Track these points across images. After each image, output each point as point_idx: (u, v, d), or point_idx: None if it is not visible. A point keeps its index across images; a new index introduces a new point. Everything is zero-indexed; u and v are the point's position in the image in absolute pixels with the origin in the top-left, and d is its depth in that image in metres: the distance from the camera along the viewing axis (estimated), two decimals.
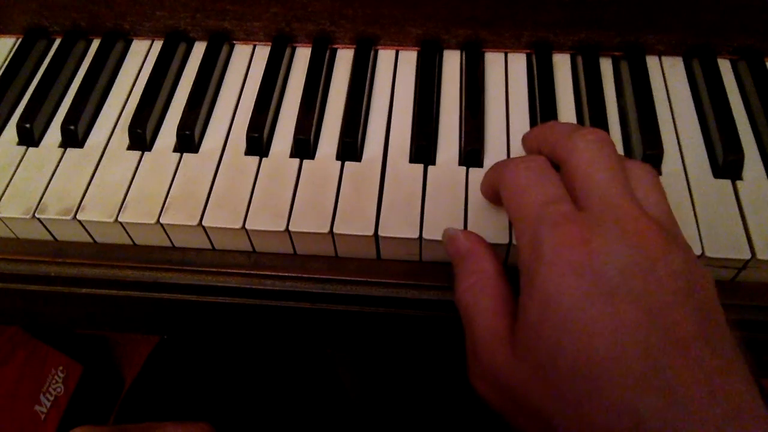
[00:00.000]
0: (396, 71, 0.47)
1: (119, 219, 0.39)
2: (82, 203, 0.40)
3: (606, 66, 0.47)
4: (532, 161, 0.31)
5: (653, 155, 0.41)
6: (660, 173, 0.41)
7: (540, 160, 0.31)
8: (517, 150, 0.42)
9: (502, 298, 0.30)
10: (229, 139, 0.44)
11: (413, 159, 0.42)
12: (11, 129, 0.45)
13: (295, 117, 0.44)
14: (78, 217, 0.40)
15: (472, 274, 0.32)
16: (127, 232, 0.41)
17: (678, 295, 0.25)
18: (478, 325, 0.30)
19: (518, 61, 0.47)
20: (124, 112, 0.46)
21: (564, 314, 0.26)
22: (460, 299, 0.31)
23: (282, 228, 0.38)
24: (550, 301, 0.26)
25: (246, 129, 0.43)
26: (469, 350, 0.31)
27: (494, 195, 0.34)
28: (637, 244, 0.26)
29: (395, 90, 0.46)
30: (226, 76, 0.48)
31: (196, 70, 0.47)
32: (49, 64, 0.48)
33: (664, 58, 0.47)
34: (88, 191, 0.41)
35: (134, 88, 0.47)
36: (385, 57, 0.48)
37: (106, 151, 0.44)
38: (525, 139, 0.38)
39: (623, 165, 0.30)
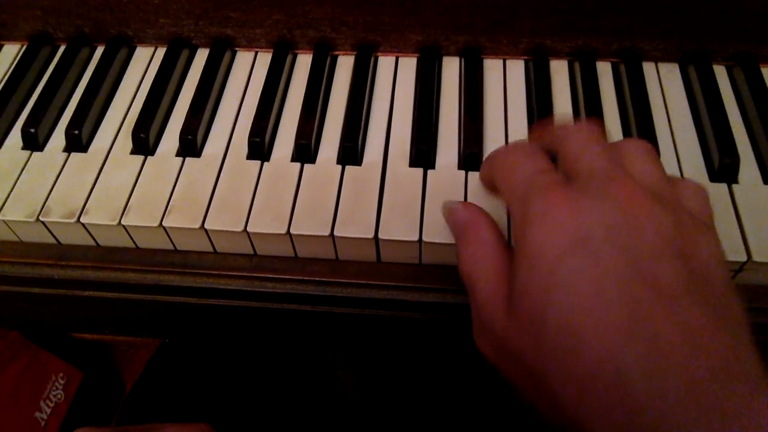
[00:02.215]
0: (396, 77, 0.48)
1: (122, 222, 0.40)
2: (86, 207, 0.41)
3: (603, 72, 0.47)
4: (519, 143, 0.33)
5: None
6: None
7: (526, 143, 0.33)
8: None
9: (501, 264, 0.31)
10: (231, 144, 0.44)
11: (413, 163, 0.42)
12: (16, 134, 0.46)
13: (296, 122, 0.44)
14: (81, 220, 0.40)
15: (472, 243, 0.32)
16: (130, 235, 0.41)
17: (663, 252, 0.26)
18: (479, 289, 0.30)
19: (516, 67, 0.48)
20: (127, 117, 0.47)
21: (550, 269, 0.26)
22: (462, 268, 0.32)
23: (283, 231, 0.39)
24: (537, 258, 0.27)
25: (248, 134, 0.43)
26: (474, 313, 0.32)
27: (492, 183, 0.35)
28: (622, 205, 0.27)
29: (395, 95, 0.47)
30: (228, 82, 0.48)
31: (199, 76, 0.48)
32: (54, 70, 0.49)
33: (660, 65, 0.47)
34: (91, 195, 0.41)
35: (137, 94, 0.48)
36: (385, 63, 0.49)
37: (110, 155, 0.44)
38: (528, 137, 0.39)
39: (615, 146, 0.31)
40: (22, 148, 0.45)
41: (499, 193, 0.34)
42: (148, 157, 0.44)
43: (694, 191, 0.31)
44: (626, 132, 0.44)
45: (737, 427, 0.22)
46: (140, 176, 0.42)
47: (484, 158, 0.42)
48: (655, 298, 0.25)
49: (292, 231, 0.39)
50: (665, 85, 0.46)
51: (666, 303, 0.24)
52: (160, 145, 0.45)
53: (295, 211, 0.40)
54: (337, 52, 0.50)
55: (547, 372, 0.26)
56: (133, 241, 0.42)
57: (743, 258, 0.37)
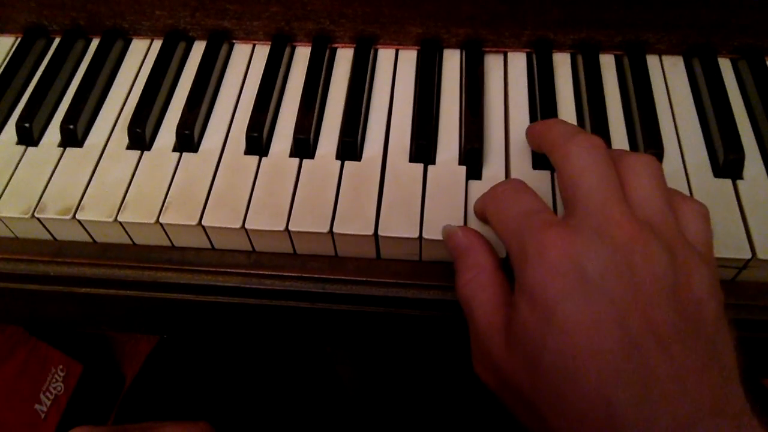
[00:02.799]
0: (396, 70, 0.47)
1: (119, 219, 0.39)
2: (82, 203, 0.40)
3: (606, 65, 0.46)
4: (508, 183, 0.34)
5: (654, 154, 0.40)
6: None
7: (515, 181, 0.34)
8: (517, 149, 0.42)
9: (499, 291, 0.31)
10: (228, 139, 0.44)
11: (413, 158, 0.42)
12: (10, 128, 0.45)
13: (295, 116, 0.44)
14: (77, 216, 0.40)
15: (471, 268, 0.33)
16: (127, 232, 0.41)
17: (657, 295, 0.26)
18: (478, 318, 0.31)
19: (518, 60, 0.47)
20: (123, 111, 0.46)
21: (546, 310, 0.27)
22: (460, 293, 0.33)
23: (282, 227, 0.38)
24: (535, 299, 0.28)
25: (246, 128, 0.43)
26: (472, 339, 0.32)
27: (484, 216, 0.36)
28: (617, 247, 0.27)
29: (395, 89, 0.46)
30: (225, 76, 0.48)
31: (196, 70, 0.47)
32: (49, 63, 0.48)
33: (664, 57, 0.47)
34: (87, 191, 0.41)
35: (134, 88, 0.47)
36: (385, 56, 0.48)
37: (106, 150, 0.43)
38: (528, 132, 0.39)
39: (620, 160, 0.31)
40: (17, 143, 0.44)
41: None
42: (145, 153, 0.43)
43: (694, 213, 0.31)
44: (629, 126, 0.43)
45: None
46: (136, 172, 0.42)
47: (485, 154, 0.41)
48: (646, 341, 0.26)
49: (290, 228, 0.38)
50: (669, 78, 0.46)
51: (657, 346, 0.25)
52: (156, 140, 0.44)
53: (293, 207, 0.39)
54: (336, 45, 0.49)
55: (542, 407, 0.27)
56: (130, 238, 0.41)
57: (747, 255, 0.36)
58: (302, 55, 0.48)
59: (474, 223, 0.38)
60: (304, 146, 0.42)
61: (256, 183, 0.41)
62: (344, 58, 0.48)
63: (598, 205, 0.29)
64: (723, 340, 0.27)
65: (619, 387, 0.25)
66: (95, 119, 0.45)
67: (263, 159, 0.42)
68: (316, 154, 0.42)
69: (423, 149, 0.41)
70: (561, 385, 0.26)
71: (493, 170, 0.41)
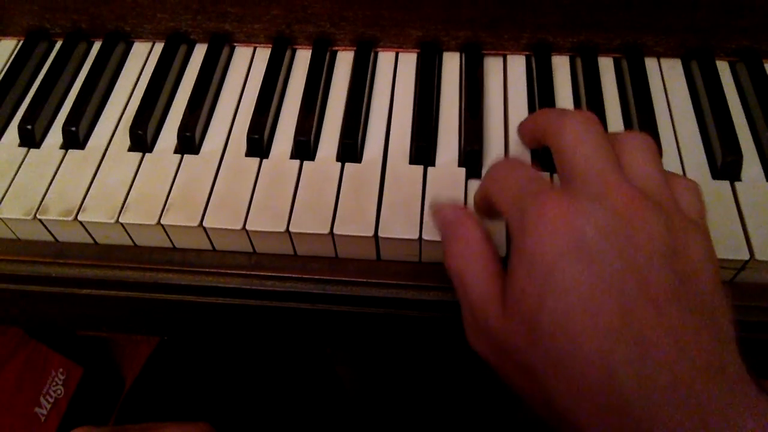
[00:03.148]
0: (396, 73, 0.47)
1: (120, 220, 0.40)
2: (83, 204, 0.40)
3: (605, 67, 0.47)
4: (504, 161, 0.34)
5: None
6: None
7: (511, 158, 0.34)
8: (516, 151, 0.42)
9: (491, 262, 0.31)
10: (229, 141, 0.44)
11: (413, 160, 0.42)
12: (13, 130, 0.45)
13: (296, 119, 0.44)
14: (79, 218, 0.40)
15: (459, 240, 0.33)
16: (128, 233, 0.41)
17: (654, 258, 0.27)
18: (471, 289, 0.31)
19: (517, 63, 0.47)
20: (125, 113, 0.46)
21: (546, 273, 0.27)
22: (450, 265, 0.33)
23: (282, 229, 0.38)
24: (534, 261, 0.28)
25: (246, 130, 0.43)
26: (465, 312, 0.32)
27: (486, 207, 0.35)
28: (614, 211, 0.27)
29: (395, 92, 0.46)
30: (226, 78, 0.48)
31: (197, 72, 0.47)
32: (51, 65, 0.48)
33: (662, 60, 0.47)
34: (89, 192, 0.41)
35: (135, 90, 0.48)
36: (385, 59, 0.48)
37: (107, 152, 0.44)
38: (519, 129, 0.39)
39: (616, 138, 0.32)
40: (19, 145, 0.45)
41: (494, 214, 0.34)
42: (146, 154, 0.43)
43: (687, 188, 0.31)
44: (628, 128, 0.43)
45: (717, 422, 0.23)
46: (138, 173, 0.42)
47: (484, 156, 0.42)
48: (644, 301, 0.26)
49: (291, 229, 0.38)
50: (667, 80, 0.46)
51: (655, 307, 0.26)
52: (158, 142, 0.44)
53: (294, 208, 0.39)
54: (336, 48, 0.49)
55: (541, 371, 0.27)
56: (131, 239, 0.41)
57: (746, 256, 0.36)
58: (303, 57, 0.49)
59: None
60: (304, 148, 0.42)
61: (257, 185, 0.41)
62: (345, 60, 0.48)
63: (595, 172, 0.29)
64: (720, 306, 0.28)
65: (616, 345, 0.25)
66: (97, 121, 0.46)
67: (264, 161, 0.42)
68: (317, 156, 0.42)
69: (423, 151, 0.42)
70: (559, 346, 0.26)
71: None
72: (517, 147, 0.42)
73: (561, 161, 0.31)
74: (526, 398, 0.30)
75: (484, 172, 0.41)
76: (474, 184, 0.40)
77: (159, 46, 0.50)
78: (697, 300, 0.27)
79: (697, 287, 0.27)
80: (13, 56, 0.50)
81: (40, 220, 0.40)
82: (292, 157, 0.43)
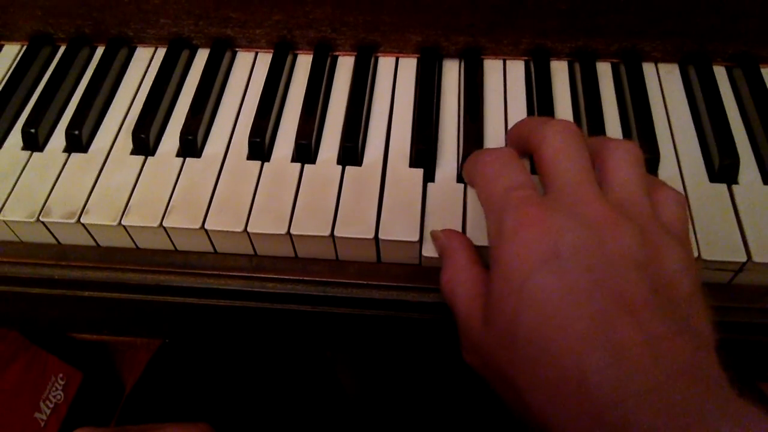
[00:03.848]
0: (396, 77, 0.48)
1: (122, 222, 0.40)
2: (86, 207, 0.41)
3: (603, 72, 0.47)
4: (498, 152, 0.35)
5: (650, 160, 0.41)
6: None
7: (505, 151, 0.34)
8: None
9: (476, 283, 0.33)
10: (231, 144, 0.44)
11: (413, 163, 0.42)
12: (16, 134, 0.46)
13: (297, 122, 0.44)
14: (82, 220, 0.40)
15: (449, 267, 0.35)
16: (130, 236, 0.41)
17: (627, 269, 0.27)
18: (458, 309, 0.33)
19: (516, 68, 0.48)
20: (127, 117, 0.47)
21: (520, 284, 0.28)
22: (442, 290, 0.35)
23: (283, 231, 0.39)
24: (508, 274, 0.29)
25: (248, 134, 0.43)
26: (458, 330, 0.34)
27: (472, 183, 0.37)
28: (588, 224, 0.28)
29: (395, 96, 0.47)
30: (228, 83, 0.48)
31: (199, 77, 0.48)
32: (54, 70, 0.49)
33: (660, 65, 0.48)
34: (91, 195, 0.41)
35: (138, 94, 0.48)
36: (385, 64, 0.49)
37: (110, 155, 0.44)
38: (508, 136, 0.41)
39: (602, 145, 0.33)
40: (23, 149, 0.45)
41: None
42: (149, 158, 0.44)
43: (669, 199, 0.32)
44: (626, 133, 0.44)
45: (694, 427, 0.23)
46: (140, 176, 0.42)
47: None
48: (616, 310, 0.26)
49: (292, 231, 0.39)
50: (665, 85, 0.46)
51: (627, 314, 0.26)
52: (160, 145, 0.45)
53: (295, 211, 0.40)
54: (337, 53, 0.50)
55: (518, 380, 0.28)
56: (134, 242, 0.42)
57: (743, 258, 0.37)
58: (304, 62, 0.49)
59: (473, 226, 0.38)
60: (305, 151, 0.43)
61: (259, 187, 0.41)
62: (345, 65, 0.49)
63: (571, 186, 0.30)
64: (697, 314, 0.28)
65: (588, 353, 0.25)
66: (100, 125, 0.46)
67: (265, 164, 0.43)
68: (318, 160, 0.43)
69: (423, 154, 0.42)
70: (534, 355, 0.27)
71: None
72: None
73: (541, 171, 0.33)
74: (509, 406, 0.31)
75: None
76: (472, 189, 0.40)
77: (161, 51, 0.50)
78: (672, 307, 0.27)
79: (672, 295, 0.28)
80: (17, 61, 0.50)
81: (42, 223, 0.41)
82: (293, 160, 0.43)
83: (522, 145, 0.35)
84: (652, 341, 0.25)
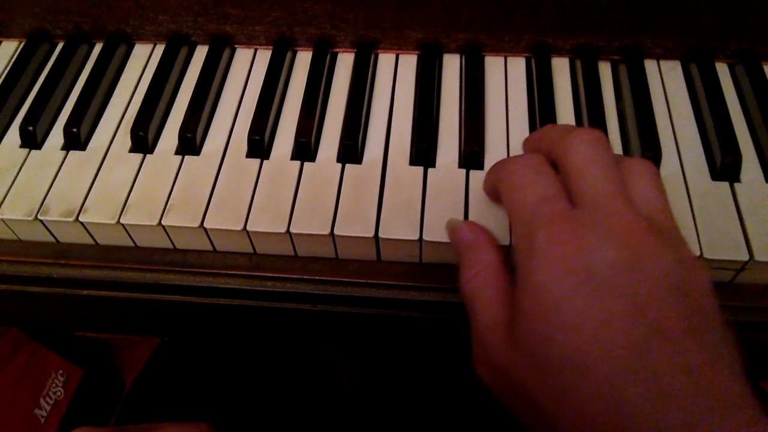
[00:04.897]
0: (396, 75, 0.48)
1: (121, 221, 0.40)
2: (85, 205, 0.41)
3: (604, 70, 0.47)
4: (528, 159, 0.32)
5: (651, 158, 0.41)
6: None
7: (536, 158, 0.32)
8: (517, 151, 0.42)
9: (503, 289, 0.31)
10: (230, 142, 0.44)
11: (413, 161, 0.42)
12: (14, 132, 0.45)
13: (296, 120, 0.44)
14: (80, 218, 0.40)
15: (474, 265, 0.32)
16: (129, 234, 0.41)
17: (666, 290, 0.26)
18: (480, 315, 0.31)
19: (517, 65, 0.48)
20: (126, 115, 0.46)
21: (554, 307, 0.26)
22: (463, 289, 0.32)
23: (283, 230, 0.39)
24: (541, 294, 0.27)
25: (247, 132, 0.43)
26: (473, 336, 0.32)
27: (495, 193, 0.35)
28: (625, 242, 0.27)
29: (395, 93, 0.46)
30: (227, 80, 0.48)
31: (198, 74, 0.48)
32: (52, 67, 0.49)
33: (662, 62, 0.47)
34: (90, 193, 0.41)
35: (136, 92, 0.48)
36: (385, 61, 0.49)
37: (109, 153, 0.44)
38: (525, 144, 0.39)
39: (621, 163, 0.31)
40: (21, 146, 0.45)
41: (502, 204, 0.33)
42: (147, 156, 0.43)
43: (648, 182, 0.31)
44: (627, 130, 0.43)
45: None
46: (139, 174, 0.42)
47: (485, 157, 0.42)
48: (656, 337, 0.25)
49: (291, 230, 0.39)
50: (667, 82, 0.46)
51: (668, 342, 0.25)
52: (159, 143, 0.44)
53: (294, 209, 0.39)
54: (337, 50, 0.49)
55: (547, 405, 0.27)
56: (132, 240, 0.42)
57: (745, 257, 0.37)
58: (303, 59, 0.49)
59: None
60: (305, 149, 0.42)
61: (258, 186, 0.41)
62: (345, 62, 0.49)
63: (603, 198, 0.29)
64: (727, 336, 0.27)
65: (629, 383, 0.24)
66: (98, 123, 0.46)
67: (265, 162, 0.42)
68: (317, 157, 0.43)
69: (423, 152, 0.42)
70: (569, 383, 0.26)
71: None
72: (516, 149, 0.42)
73: (568, 182, 0.30)
74: (526, 425, 0.29)
75: (483, 173, 0.41)
76: (474, 184, 0.40)
77: (160, 48, 0.50)
78: (708, 332, 0.26)
79: (707, 319, 0.27)
80: (14, 58, 0.50)
81: (41, 221, 0.40)
82: (293, 158, 0.43)
83: (544, 153, 0.33)
84: (692, 370, 0.24)
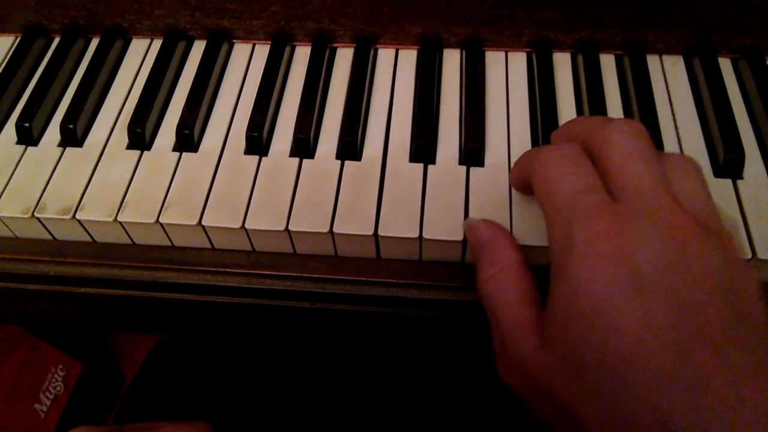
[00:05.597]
0: (396, 70, 0.47)
1: (118, 218, 0.39)
2: (82, 202, 0.40)
3: (606, 64, 0.46)
4: (564, 149, 0.30)
5: None
6: None
7: (572, 148, 0.30)
8: (518, 148, 0.42)
9: (527, 288, 0.30)
10: (228, 138, 0.44)
11: (413, 158, 0.42)
12: (10, 128, 0.45)
13: (295, 116, 0.44)
14: (77, 216, 0.40)
15: (494, 264, 0.31)
16: (127, 232, 0.41)
17: (712, 293, 0.25)
18: (505, 316, 0.29)
19: (519, 60, 0.47)
20: (123, 111, 0.46)
21: (593, 307, 0.25)
22: (482, 289, 0.31)
23: (282, 227, 0.38)
24: (579, 292, 0.26)
25: (245, 128, 0.43)
26: (496, 341, 0.30)
27: (524, 184, 0.33)
28: (671, 239, 0.25)
29: (395, 89, 0.46)
30: (225, 75, 0.48)
31: (196, 69, 0.47)
32: (48, 62, 0.48)
33: (664, 57, 0.47)
34: (87, 190, 0.41)
35: (133, 87, 0.47)
36: (385, 56, 0.48)
37: (106, 150, 0.43)
38: (555, 136, 0.36)
39: (662, 157, 0.29)
40: (17, 143, 0.44)
41: (530, 195, 0.32)
42: (145, 152, 0.43)
43: (691, 178, 0.29)
44: None
45: None
46: (136, 171, 0.42)
47: (485, 154, 0.41)
48: (701, 344, 0.24)
49: (290, 227, 0.38)
50: (669, 77, 0.46)
51: (713, 349, 0.24)
52: (156, 139, 0.44)
53: (293, 207, 0.39)
54: (336, 45, 0.49)
55: (581, 410, 0.26)
56: (130, 238, 0.41)
57: (748, 255, 0.36)
58: (302, 54, 0.48)
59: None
60: (304, 146, 0.42)
61: (256, 183, 0.41)
62: (344, 57, 0.48)
63: (647, 192, 0.27)
64: None
65: (671, 392, 0.23)
66: (95, 119, 0.45)
67: (263, 159, 0.42)
68: (316, 154, 0.42)
69: (423, 149, 0.41)
70: (605, 388, 0.24)
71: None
72: (517, 145, 0.42)
73: (607, 175, 0.29)
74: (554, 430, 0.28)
75: (483, 170, 0.41)
76: (474, 181, 0.40)
77: (157, 43, 0.50)
78: (755, 339, 0.25)
79: (754, 326, 0.25)
80: (10, 53, 0.50)
81: (38, 219, 0.40)
82: (292, 155, 0.42)
83: (577, 142, 0.31)
84: (738, 380, 0.23)
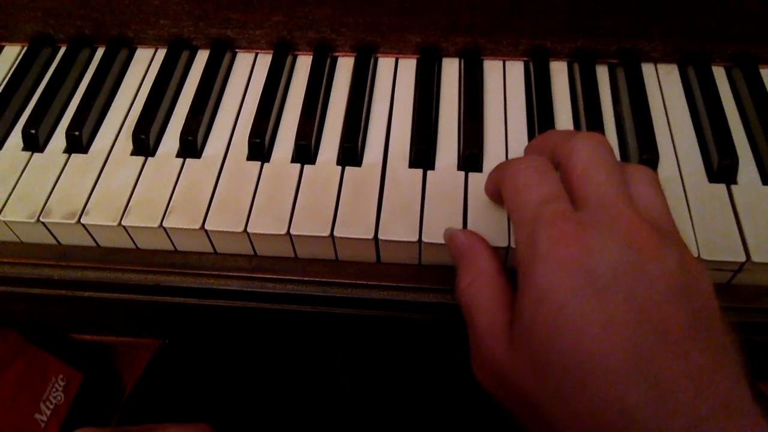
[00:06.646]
0: (396, 78, 0.48)
1: (122, 223, 0.40)
2: (86, 207, 0.41)
3: (602, 73, 0.47)
4: (532, 160, 0.32)
5: (649, 160, 0.41)
6: None
7: (539, 160, 0.32)
8: (515, 155, 0.42)
9: (501, 294, 0.31)
10: (231, 145, 0.44)
11: (413, 164, 0.42)
12: (17, 135, 0.46)
13: (297, 123, 0.44)
14: (82, 221, 0.40)
15: (471, 272, 0.33)
16: (130, 236, 0.41)
17: (669, 293, 0.26)
18: (478, 321, 0.31)
19: (516, 68, 0.48)
20: (127, 118, 0.47)
21: (556, 309, 0.26)
22: (460, 296, 0.32)
23: (283, 231, 0.39)
24: (543, 296, 0.27)
25: (248, 135, 0.44)
26: (471, 343, 0.32)
27: (497, 194, 0.35)
28: (629, 244, 0.27)
29: (395, 96, 0.47)
30: (228, 83, 0.49)
31: (199, 77, 0.48)
32: (54, 71, 0.49)
33: (659, 65, 0.48)
34: (92, 196, 0.42)
35: (138, 95, 0.48)
36: (385, 64, 0.49)
37: (110, 156, 0.44)
38: (527, 149, 0.38)
39: (621, 167, 0.31)
40: (23, 149, 0.45)
41: (503, 205, 0.33)
42: (149, 158, 0.44)
43: (648, 187, 0.31)
44: (625, 133, 0.44)
45: None
46: (140, 177, 0.43)
47: (483, 160, 0.42)
48: (659, 341, 0.25)
49: (292, 232, 0.39)
50: (664, 86, 0.47)
51: (670, 345, 0.25)
52: (160, 146, 0.45)
53: (295, 211, 0.40)
54: (337, 53, 0.50)
55: (548, 409, 0.27)
56: (134, 242, 0.42)
57: (742, 258, 0.37)
58: (304, 63, 0.49)
59: (473, 227, 0.38)
60: (305, 152, 0.43)
61: (258, 188, 0.41)
62: (345, 66, 0.49)
63: (607, 200, 0.28)
64: (730, 339, 0.27)
65: (632, 387, 0.24)
66: (100, 126, 0.46)
67: (265, 165, 0.43)
68: (317, 160, 0.43)
69: (422, 155, 0.42)
70: (570, 387, 0.26)
71: None
72: (515, 152, 0.43)
73: (571, 184, 0.30)
74: (527, 429, 0.29)
75: (482, 176, 0.41)
76: (473, 186, 0.40)
77: (161, 52, 0.50)
78: (711, 336, 0.26)
79: (710, 323, 0.26)
80: (17, 62, 0.51)
81: (43, 223, 0.41)
82: (293, 160, 0.43)
83: (546, 154, 0.33)
84: (695, 374, 0.24)
